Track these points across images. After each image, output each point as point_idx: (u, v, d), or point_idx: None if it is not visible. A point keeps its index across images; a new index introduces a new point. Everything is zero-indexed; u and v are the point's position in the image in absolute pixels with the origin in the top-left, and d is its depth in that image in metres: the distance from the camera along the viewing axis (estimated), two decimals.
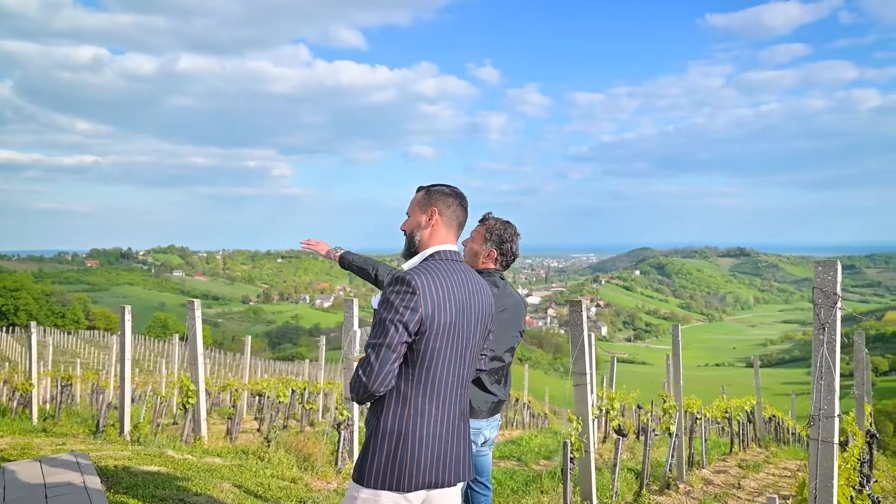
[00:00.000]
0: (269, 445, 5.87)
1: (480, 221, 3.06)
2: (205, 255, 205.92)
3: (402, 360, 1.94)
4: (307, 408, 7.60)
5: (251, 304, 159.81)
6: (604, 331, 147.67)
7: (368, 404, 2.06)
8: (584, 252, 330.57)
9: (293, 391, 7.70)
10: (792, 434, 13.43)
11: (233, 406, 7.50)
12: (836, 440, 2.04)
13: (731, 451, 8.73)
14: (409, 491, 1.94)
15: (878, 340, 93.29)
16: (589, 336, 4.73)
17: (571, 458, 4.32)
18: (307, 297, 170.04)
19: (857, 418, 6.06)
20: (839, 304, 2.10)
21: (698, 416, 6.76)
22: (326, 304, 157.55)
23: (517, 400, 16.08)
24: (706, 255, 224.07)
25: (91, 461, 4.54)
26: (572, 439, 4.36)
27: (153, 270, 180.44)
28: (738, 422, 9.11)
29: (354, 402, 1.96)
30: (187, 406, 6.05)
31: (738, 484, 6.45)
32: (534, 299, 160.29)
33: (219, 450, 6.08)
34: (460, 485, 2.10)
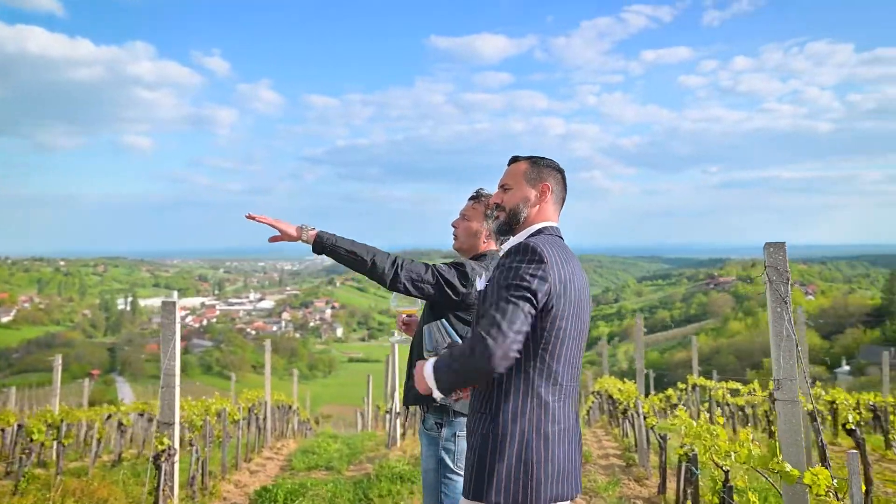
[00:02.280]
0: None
1: (473, 198, 2.73)
2: None
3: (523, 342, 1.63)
4: (64, 444, 6.02)
5: None
6: (339, 332, 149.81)
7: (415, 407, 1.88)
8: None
9: (49, 424, 6.04)
10: None
11: None
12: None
13: None
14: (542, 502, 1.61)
15: None
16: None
17: None
18: None
19: None
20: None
21: None
22: (6, 319, 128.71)
23: (290, 407, 15.22)
24: (431, 256, 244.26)
25: None
26: None
27: None
28: None
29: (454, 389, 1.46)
30: None
31: None
32: (267, 303, 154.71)
33: None
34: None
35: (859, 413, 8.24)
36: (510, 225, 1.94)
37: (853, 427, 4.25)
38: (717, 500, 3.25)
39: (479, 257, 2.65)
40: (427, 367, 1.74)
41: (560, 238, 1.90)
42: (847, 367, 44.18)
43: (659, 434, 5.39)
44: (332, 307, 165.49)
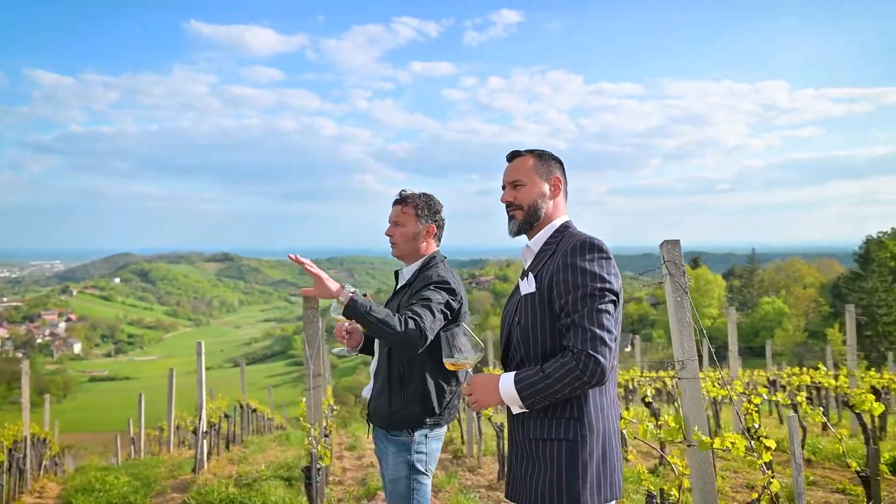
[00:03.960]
0: None
1: (399, 202, 2.59)
2: None
3: None
4: None
5: None
6: (77, 348, 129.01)
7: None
8: (48, 259, 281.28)
9: None
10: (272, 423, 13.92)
11: None
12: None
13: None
14: (618, 499, 1.63)
15: None
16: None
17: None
18: None
19: None
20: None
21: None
22: None
23: (44, 440, 12.62)
24: (192, 260, 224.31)
25: None
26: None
27: None
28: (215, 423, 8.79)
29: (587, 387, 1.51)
30: None
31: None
32: None
33: None
34: None
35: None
36: (531, 223, 1.87)
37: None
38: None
39: (428, 263, 2.58)
40: (506, 382, 1.66)
41: None
42: None
43: (497, 424, 5.70)
44: (68, 319, 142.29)
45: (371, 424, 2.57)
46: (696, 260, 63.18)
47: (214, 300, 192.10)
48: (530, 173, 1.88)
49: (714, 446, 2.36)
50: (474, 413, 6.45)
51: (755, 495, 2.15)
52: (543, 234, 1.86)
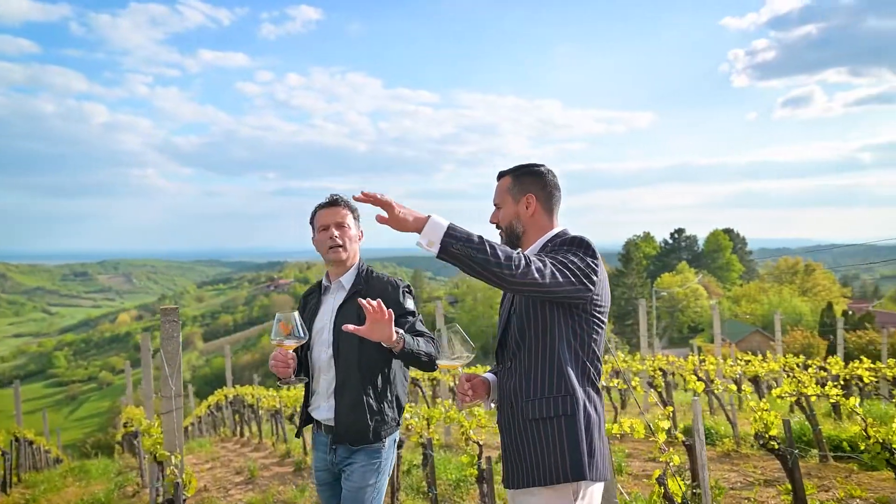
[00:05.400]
0: None
1: (340, 204, 2.51)
2: None
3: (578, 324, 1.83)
4: None
5: None
6: None
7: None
8: None
9: None
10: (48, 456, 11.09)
11: None
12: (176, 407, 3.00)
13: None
14: (607, 480, 1.82)
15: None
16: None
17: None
18: None
19: None
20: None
21: None
22: None
23: None
24: None
25: None
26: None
27: None
28: None
29: None
30: None
31: None
32: None
33: None
34: None
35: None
36: (511, 242, 1.99)
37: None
38: (475, 472, 3.71)
39: (369, 270, 2.56)
40: (439, 219, 1.67)
41: None
42: None
43: None
44: None
45: (336, 444, 2.41)
46: None
47: None
48: (504, 195, 2.01)
49: (614, 431, 2.64)
50: None
51: (659, 472, 2.45)
52: (535, 246, 1.96)
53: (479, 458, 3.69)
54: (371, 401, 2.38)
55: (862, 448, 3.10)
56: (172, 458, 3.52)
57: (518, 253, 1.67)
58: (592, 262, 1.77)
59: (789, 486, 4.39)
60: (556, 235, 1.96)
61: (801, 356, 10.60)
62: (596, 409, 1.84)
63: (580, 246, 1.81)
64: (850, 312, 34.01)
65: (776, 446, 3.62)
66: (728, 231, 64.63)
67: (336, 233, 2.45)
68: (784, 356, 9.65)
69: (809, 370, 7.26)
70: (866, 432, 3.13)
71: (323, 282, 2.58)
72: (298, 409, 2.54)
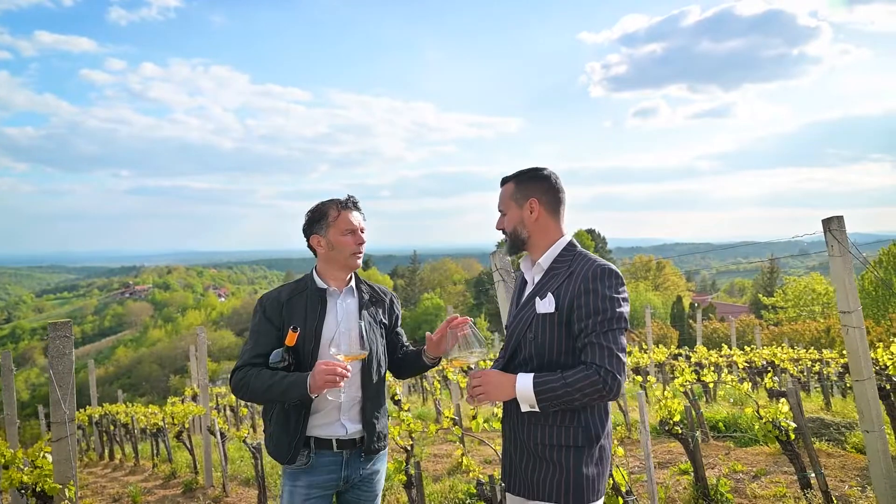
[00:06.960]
0: None
1: (354, 207, 2.41)
2: None
3: None
4: None
5: None
6: None
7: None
8: None
9: None
10: None
11: None
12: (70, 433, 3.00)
13: None
14: (602, 497, 1.84)
15: None
16: None
17: None
18: None
19: None
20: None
21: None
22: None
23: None
24: None
25: None
26: None
27: None
28: None
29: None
30: None
31: None
32: None
33: None
34: None
35: None
36: (517, 247, 2.01)
37: None
38: (403, 477, 3.66)
39: (360, 280, 2.48)
40: (524, 383, 1.76)
41: None
42: None
43: (252, 444, 5.30)
44: None
45: (360, 456, 2.28)
46: (366, 262, 67.87)
47: None
48: (507, 201, 2.01)
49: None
50: (218, 436, 5.82)
51: None
52: (551, 254, 1.94)
53: (407, 463, 3.65)
54: (382, 407, 2.37)
55: (756, 427, 3.46)
56: (66, 490, 3.11)
57: (595, 368, 1.73)
58: (626, 310, 1.82)
59: (683, 467, 4.80)
60: (571, 245, 1.96)
61: (661, 345, 11.88)
62: (605, 431, 1.87)
63: (616, 277, 1.84)
64: (696, 305, 37.93)
65: (679, 431, 3.95)
66: (591, 231, 69.59)
67: (361, 237, 2.33)
68: (657, 346, 10.57)
69: (686, 360, 8.01)
70: (759, 413, 3.52)
71: (318, 283, 2.33)
72: (276, 433, 2.22)
